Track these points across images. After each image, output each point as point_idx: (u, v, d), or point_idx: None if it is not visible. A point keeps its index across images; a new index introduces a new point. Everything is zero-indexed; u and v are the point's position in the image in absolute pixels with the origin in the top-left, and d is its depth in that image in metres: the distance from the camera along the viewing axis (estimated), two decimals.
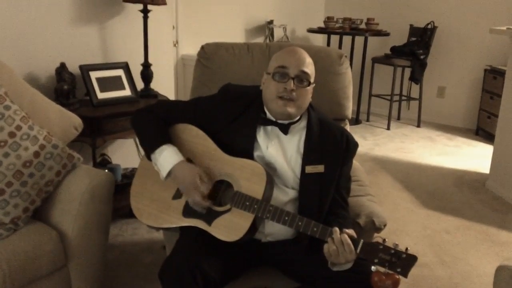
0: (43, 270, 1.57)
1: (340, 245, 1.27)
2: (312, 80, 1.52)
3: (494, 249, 2.59)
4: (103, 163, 2.70)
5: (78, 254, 1.67)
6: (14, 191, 1.57)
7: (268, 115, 1.54)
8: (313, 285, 1.42)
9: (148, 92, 2.74)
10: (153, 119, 1.57)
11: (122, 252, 2.38)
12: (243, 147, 1.51)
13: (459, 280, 2.28)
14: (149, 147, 1.52)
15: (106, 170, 1.87)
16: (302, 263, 1.47)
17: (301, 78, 1.48)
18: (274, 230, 1.49)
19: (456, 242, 2.65)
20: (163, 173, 1.48)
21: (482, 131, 4.71)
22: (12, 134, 1.60)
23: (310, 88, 1.52)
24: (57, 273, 1.63)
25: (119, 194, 2.14)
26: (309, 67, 1.50)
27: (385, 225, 1.60)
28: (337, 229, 1.30)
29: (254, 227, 1.40)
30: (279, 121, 1.53)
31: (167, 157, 1.48)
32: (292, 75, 1.47)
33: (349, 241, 1.27)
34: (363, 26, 4.98)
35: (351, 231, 1.32)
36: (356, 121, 5.07)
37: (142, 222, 1.54)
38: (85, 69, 2.47)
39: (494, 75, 4.44)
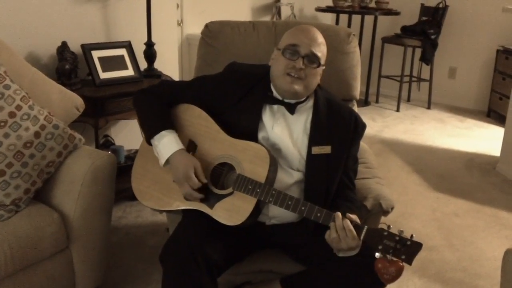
0: (45, 251, 1.56)
1: (342, 231, 1.25)
2: (322, 62, 1.49)
3: (503, 233, 2.55)
4: (106, 144, 2.67)
5: (81, 236, 1.66)
6: (14, 172, 1.55)
7: (275, 93, 1.51)
8: (319, 268, 1.40)
9: (151, 72, 2.70)
10: (154, 102, 1.53)
11: (126, 234, 2.37)
12: (247, 127, 1.47)
13: (467, 263, 2.25)
14: (149, 132, 1.48)
15: (109, 152, 1.84)
16: (308, 246, 1.45)
17: (311, 58, 1.45)
18: (279, 213, 1.46)
19: (465, 225, 2.61)
20: (162, 160, 1.45)
21: (494, 113, 4.62)
22: (12, 114, 1.57)
23: (319, 69, 1.49)
24: (59, 255, 1.62)
25: (122, 176, 2.12)
26: (321, 48, 1.47)
27: (392, 208, 1.58)
28: (339, 214, 1.27)
29: (257, 210, 1.37)
30: (286, 100, 1.49)
31: (166, 145, 1.44)
32: (302, 54, 1.44)
33: (351, 227, 1.24)
34: (373, 4, 4.89)
35: (354, 217, 1.28)
36: (365, 102, 4.99)
37: (143, 205, 1.51)
38: (87, 48, 2.43)
39: (506, 55, 4.34)
